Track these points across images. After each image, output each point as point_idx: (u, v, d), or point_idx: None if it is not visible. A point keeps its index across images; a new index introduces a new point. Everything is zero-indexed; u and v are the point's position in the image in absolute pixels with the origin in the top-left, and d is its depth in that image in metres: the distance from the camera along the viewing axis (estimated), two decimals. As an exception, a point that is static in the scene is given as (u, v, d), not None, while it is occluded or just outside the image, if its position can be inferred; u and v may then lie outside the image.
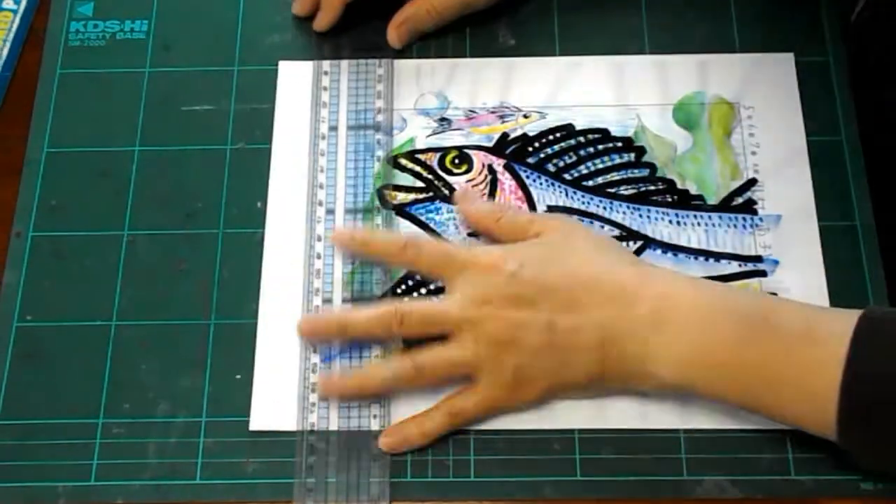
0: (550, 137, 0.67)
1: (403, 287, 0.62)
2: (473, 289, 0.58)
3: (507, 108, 0.68)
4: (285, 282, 0.63)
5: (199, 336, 0.62)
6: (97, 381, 0.60)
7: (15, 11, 0.71)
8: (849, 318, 0.53)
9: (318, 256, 0.64)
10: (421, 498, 0.58)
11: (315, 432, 0.59)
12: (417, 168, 0.66)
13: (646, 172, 0.66)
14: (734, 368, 0.55)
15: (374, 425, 0.59)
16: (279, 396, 0.60)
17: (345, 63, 0.69)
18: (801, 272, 0.62)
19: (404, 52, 0.69)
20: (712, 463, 0.58)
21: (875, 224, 0.64)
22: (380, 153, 0.66)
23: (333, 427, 0.59)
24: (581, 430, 0.59)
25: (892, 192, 0.66)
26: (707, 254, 0.63)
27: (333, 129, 0.67)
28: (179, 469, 0.58)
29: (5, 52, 0.69)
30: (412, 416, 0.59)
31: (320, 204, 0.65)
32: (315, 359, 0.61)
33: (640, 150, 0.66)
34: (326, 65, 0.69)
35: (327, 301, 0.62)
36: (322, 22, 0.69)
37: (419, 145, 0.67)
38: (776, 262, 0.63)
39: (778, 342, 0.54)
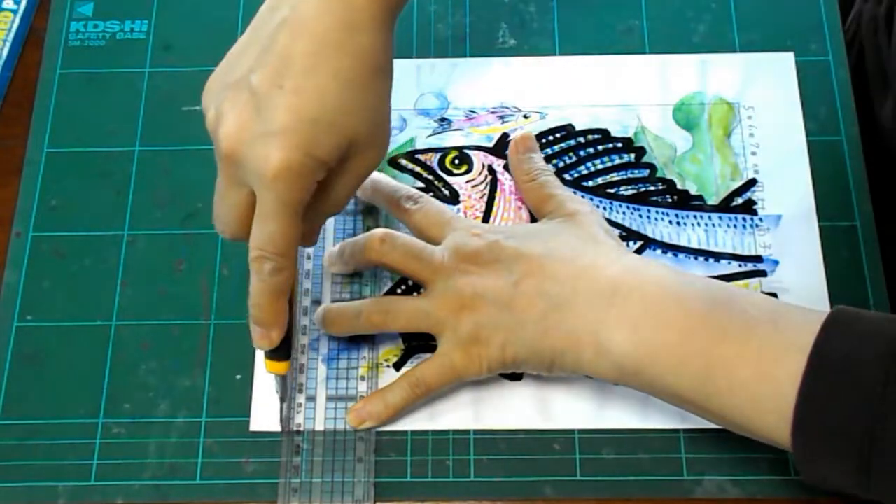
0: (550, 138, 0.67)
1: (403, 287, 0.63)
2: (457, 246, 0.59)
3: (506, 108, 0.68)
4: None
5: (199, 336, 0.62)
6: (97, 381, 0.61)
7: (15, 11, 0.71)
8: (819, 314, 0.51)
9: (308, 257, 0.64)
10: (421, 498, 0.58)
11: (300, 433, 0.59)
12: (417, 168, 0.66)
13: (646, 173, 0.66)
14: (691, 347, 0.52)
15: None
16: (275, 397, 0.60)
17: None
18: (800, 272, 0.62)
19: (404, 52, 0.69)
20: (712, 463, 0.58)
21: (875, 224, 0.64)
22: None
23: (319, 428, 0.59)
24: (581, 431, 0.59)
25: (893, 192, 0.66)
26: (707, 254, 0.63)
27: None
28: (179, 469, 0.58)
29: (5, 52, 0.69)
30: (376, 390, 0.60)
31: None
32: (303, 359, 0.61)
33: (640, 151, 0.66)
34: None
35: (316, 302, 0.62)
36: None
37: (419, 145, 0.67)
38: (776, 263, 0.63)
39: (741, 323, 0.52)
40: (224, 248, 0.64)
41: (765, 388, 0.51)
